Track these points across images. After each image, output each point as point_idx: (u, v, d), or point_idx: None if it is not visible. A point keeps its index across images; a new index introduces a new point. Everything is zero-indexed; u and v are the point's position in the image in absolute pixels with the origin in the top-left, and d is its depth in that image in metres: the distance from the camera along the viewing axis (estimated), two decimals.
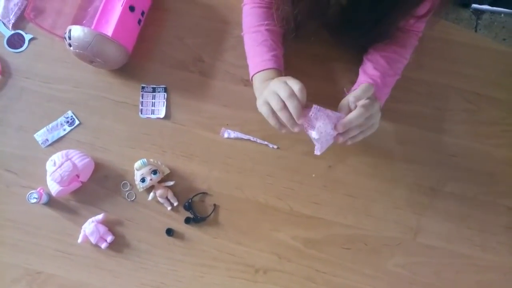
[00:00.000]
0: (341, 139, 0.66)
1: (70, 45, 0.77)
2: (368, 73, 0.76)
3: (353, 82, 0.80)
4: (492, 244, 0.80)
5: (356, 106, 0.65)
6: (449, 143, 0.84)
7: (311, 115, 0.64)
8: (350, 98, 0.66)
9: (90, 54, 0.77)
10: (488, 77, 0.88)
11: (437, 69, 0.88)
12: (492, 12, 1.61)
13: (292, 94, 0.63)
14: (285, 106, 0.64)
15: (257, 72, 0.77)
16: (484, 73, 0.88)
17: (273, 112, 0.66)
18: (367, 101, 0.65)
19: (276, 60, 0.77)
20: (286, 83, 0.65)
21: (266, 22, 0.79)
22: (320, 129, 0.64)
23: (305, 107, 0.65)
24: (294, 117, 0.63)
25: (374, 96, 0.67)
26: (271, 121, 0.68)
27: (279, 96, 0.64)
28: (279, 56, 0.79)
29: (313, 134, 0.65)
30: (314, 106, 0.64)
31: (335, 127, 0.64)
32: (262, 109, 0.68)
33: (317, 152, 0.67)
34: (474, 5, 1.61)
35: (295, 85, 0.64)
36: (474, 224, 0.81)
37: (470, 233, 0.81)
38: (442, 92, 0.87)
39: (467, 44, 0.89)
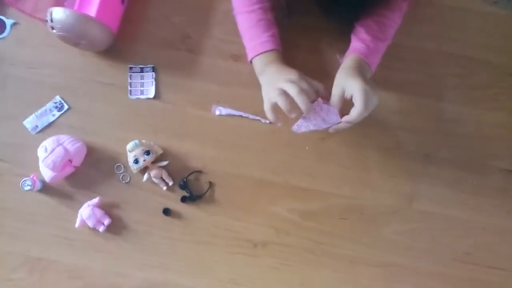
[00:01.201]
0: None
1: (52, 28, 0.75)
2: (360, 37, 0.75)
3: (343, 51, 0.79)
4: (486, 207, 0.81)
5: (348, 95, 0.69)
6: (442, 109, 0.84)
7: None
8: (343, 120, 0.70)
9: (74, 37, 0.75)
10: (479, 40, 0.87)
11: (427, 35, 0.87)
12: None
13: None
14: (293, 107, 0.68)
15: (257, 55, 0.76)
16: (475, 37, 0.87)
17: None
18: (358, 110, 0.67)
19: (274, 40, 0.77)
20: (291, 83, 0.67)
21: (258, 0, 0.77)
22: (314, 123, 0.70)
23: None
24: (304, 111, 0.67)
25: (373, 94, 0.68)
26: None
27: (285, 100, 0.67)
28: (276, 35, 0.78)
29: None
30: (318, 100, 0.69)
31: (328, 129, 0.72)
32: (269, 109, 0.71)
33: (296, 129, 0.72)
34: None
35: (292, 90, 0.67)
36: (468, 188, 0.82)
37: (464, 197, 0.81)
38: (433, 58, 0.86)
39: (457, 8, 0.88)
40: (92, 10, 0.80)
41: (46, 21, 0.75)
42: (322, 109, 0.69)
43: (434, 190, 0.82)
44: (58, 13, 0.74)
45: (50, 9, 0.75)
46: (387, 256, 0.80)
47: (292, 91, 0.66)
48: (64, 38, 0.76)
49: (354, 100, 0.67)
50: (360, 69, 0.72)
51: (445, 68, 0.86)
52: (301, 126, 0.71)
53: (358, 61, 0.73)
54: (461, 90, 0.85)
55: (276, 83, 0.69)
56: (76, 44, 0.78)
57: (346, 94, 0.69)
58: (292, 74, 0.69)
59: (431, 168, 0.82)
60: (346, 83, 0.69)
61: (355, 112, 0.67)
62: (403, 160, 0.82)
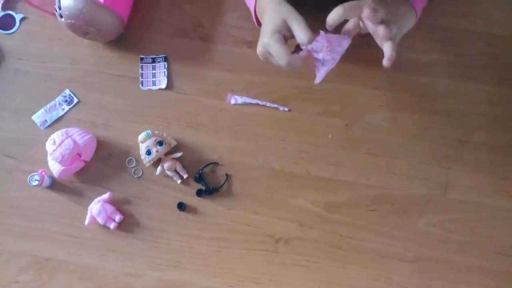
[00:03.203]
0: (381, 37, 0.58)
1: (61, 16, 0.72)
2: None
3: None
4: None
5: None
6: (473, 91, 0.78)
7: (317, 44, 0.58)
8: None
9: (82, 24, 0.72)
10: (509, 16, 0.81)
11: (453, 13, 0.82)
12: None
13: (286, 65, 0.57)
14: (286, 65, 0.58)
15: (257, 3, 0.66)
16: (504, 13, 0.81)
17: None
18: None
19: None
20: (273, 49, 0.57)
21: None
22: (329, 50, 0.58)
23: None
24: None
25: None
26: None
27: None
28: None
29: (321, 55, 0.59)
30: (321, 34, 0.58)
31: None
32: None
33: (318, 79, 0.61)
34: None
35: (281, 61, 0.57)
36: (508, 173, 0.75)
37: (504, 183, 0.74)
38: (461, 37, 0.81)
39: None
40: None
41: (55, 9, 0.73)
42: (328, 40, 0.58)
43: (470, 177, 0.75)
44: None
45: None
46: (421, 250, 0.73)
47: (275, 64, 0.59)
48: (72, 27, 0.74)
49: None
50: None
51: (474, 48, 0.80)
52: (321, 72, 0.61)
53: None
54: (493, 70, 0.79)
55: (259, 47, 0.60)
56: (85, 33, 0.75)
57: None
58: (266, 35, 0.57)
59: (465, 153, 0.76)
60: None
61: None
62: (434, 146, 0.76)
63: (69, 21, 0.72)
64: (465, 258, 0.72)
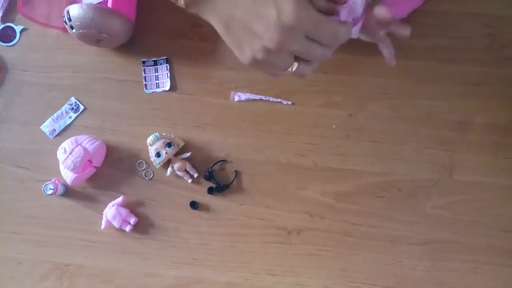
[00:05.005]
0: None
1: (72, 28, 0.73)
2: None
3: None
4: None
5: None
6: (472, 73, 0.79)
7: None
8: None
9: (95, 31, 0.72)
10: None
11: None
12: None
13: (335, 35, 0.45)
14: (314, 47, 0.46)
15: None
16: None
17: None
18: None
19: None
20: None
21: None
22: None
23: None
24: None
25: None
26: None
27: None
28: None
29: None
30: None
31: None
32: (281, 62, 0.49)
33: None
34: None
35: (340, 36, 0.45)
36: (511, 152, 0.76)
37: (508, 162, 0.76)
38: (458, 20, 0.81)
39: None
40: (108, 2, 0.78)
41: (64, 21, 0.73)
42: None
43: (474, 158, 0.76)
44: (75, 10, 0.71)
45: (66, 8, 0.73)
46: (430, 232, 0.74)
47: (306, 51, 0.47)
48: (84, 36, 0.74)
49: None
50: None
51: (471, 30, 0.81)
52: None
53: None
54: (492, 51, 0.80)
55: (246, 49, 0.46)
56: (97, 41, 0.76)
57: None
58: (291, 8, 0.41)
59: (468, 135, 0.77)
60: None
61: None
62: (437, 130, 0.77)
63: (81, 31, 0.72)
64: (474, 237, 0.74)
